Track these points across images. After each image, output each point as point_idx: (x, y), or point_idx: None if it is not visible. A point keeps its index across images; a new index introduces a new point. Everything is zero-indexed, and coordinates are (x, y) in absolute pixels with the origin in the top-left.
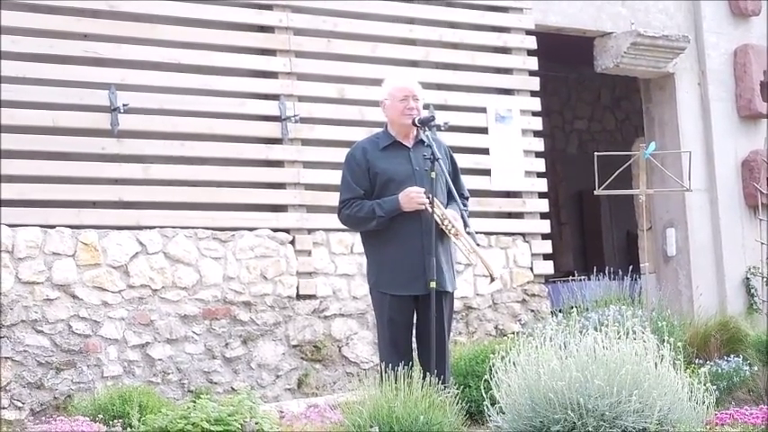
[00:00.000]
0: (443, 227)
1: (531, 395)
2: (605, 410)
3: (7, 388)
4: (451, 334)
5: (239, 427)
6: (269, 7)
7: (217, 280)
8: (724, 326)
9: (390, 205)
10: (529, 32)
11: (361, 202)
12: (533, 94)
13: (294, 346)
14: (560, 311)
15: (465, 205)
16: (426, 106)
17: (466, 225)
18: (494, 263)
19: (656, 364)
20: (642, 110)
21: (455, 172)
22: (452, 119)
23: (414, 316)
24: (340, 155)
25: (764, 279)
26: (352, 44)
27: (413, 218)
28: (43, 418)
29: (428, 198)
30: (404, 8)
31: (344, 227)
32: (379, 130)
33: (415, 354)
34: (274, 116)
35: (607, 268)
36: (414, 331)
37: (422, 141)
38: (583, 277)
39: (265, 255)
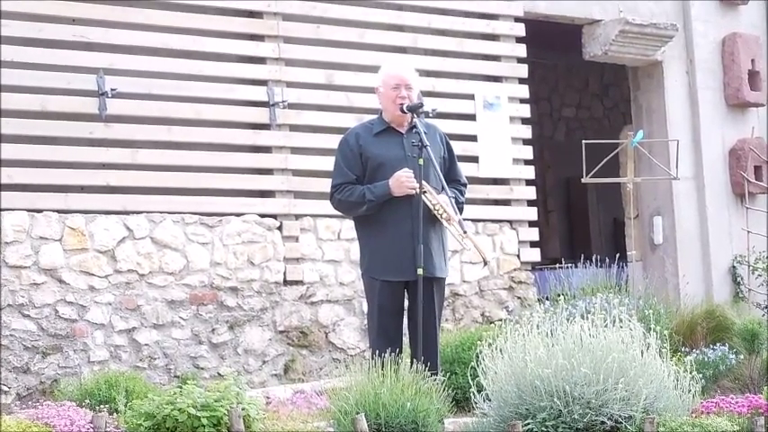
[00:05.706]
0: (435, 212)
1: (517, 382)
2: (591, 398)
3: None
4: (442, 320)
5: (225, 412)
6: None
7: (204, 265)
8: (710, 314)
9: (381, 190)
10: (517, 19)
11: (352, 186)
12: (521, 81)
13: (281, 332)
14: (547, 299)
15: (462, 192)
16: None
17: (456, 212)
18: (486, 247)
19: (642, 353)
20: (630, 98)
21: (451, 159)
22: (440, 105)
23: (404, 302)
24: (328, 141)
25: (750, 268)
26: (341, 30)
27: (403, 203)
28: (29, 402)
29: (419, 183)
30: None
31: (334, 212)
32: (374, 116)
33: (405, 339)
34: (262, 102)
35: (594, 256)
36: (404, 317)
37: (415, 128)
38: (570, 265)
39: (252, 240)
